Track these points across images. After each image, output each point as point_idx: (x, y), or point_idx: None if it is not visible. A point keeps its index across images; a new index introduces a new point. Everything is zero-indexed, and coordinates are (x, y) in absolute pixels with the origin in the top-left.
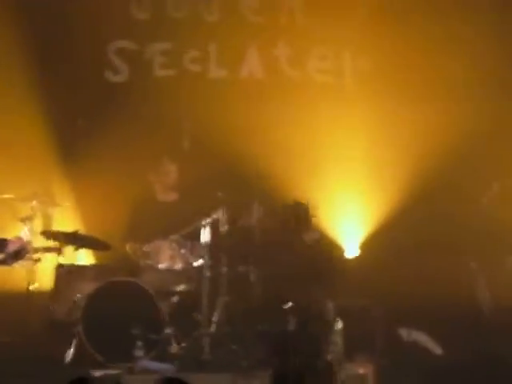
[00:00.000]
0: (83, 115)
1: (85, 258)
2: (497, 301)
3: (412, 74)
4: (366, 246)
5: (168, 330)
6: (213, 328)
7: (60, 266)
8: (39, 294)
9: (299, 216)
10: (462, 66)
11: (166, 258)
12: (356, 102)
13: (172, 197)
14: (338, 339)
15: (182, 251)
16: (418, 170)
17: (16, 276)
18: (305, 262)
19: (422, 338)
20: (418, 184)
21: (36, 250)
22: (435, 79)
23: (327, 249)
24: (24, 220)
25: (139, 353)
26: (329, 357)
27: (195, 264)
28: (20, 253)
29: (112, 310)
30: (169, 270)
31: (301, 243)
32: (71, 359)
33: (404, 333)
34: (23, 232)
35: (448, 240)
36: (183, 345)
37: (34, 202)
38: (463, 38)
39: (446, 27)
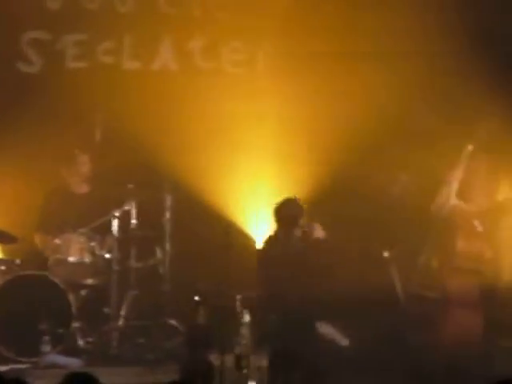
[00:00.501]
0: None
1: None
2: (409, 290)
3: (324, 66)
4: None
5: (76, 324)
6: (121, 322)
7: None
8: None
9: None
10: (370, 61)
11: (76, 251)
12: (268, 93)
13: (84, 189)
14: (245, 332)
15: (92, 244)
16: (328, 163)
17: None
18: (214, 254)
19: (330, 331)
20: (327, 176)
21: None
22: (346, 73)
23: (237, 240)
24: None
25: (46, 347)
26: (237, 350)
27: (105, 257)
28: None
29: (20, 304)
30: (78, 264)
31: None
32: None
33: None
34: None
35: (359, 232)
36: (91, 339)
37: None
38: (371, 29)
39: (355, 18)
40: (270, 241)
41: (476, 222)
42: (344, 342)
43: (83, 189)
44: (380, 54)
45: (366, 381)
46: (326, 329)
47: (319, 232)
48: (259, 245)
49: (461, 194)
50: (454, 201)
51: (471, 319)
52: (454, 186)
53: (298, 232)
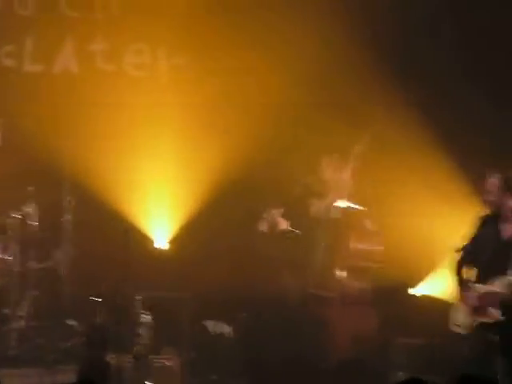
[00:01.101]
0: None
1: None
2: (305, 290)
3: (223, 68)
4: (177, 239)
5: None
6: (20, 323)
7: None
8: None
9: None
10: (266, 62)
11: None
12: (169, 95)
13: None
14: (145, 332)
15: None
16: (227, 164)
17: None
18: (114, 255)
19: (226, 330)
20: (224, 179)
21: None
22: (245, 73)
23: (136, 240)
24: None
25: None
26: (135, 349)
27: (5, 259)
28: None
29: None
30: None
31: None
32: None
33: (209, 325)
34: None
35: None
36: None
37: None
38: (275, 29)
39: (253, 22)
40: None
41: (367, 222)
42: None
43: None
44: (273, 57)
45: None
46: (224, 328)
47: None
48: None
49: (350, 196)
50: (343, 203)
51: (366, 316)
52: (343, 187)
53: None
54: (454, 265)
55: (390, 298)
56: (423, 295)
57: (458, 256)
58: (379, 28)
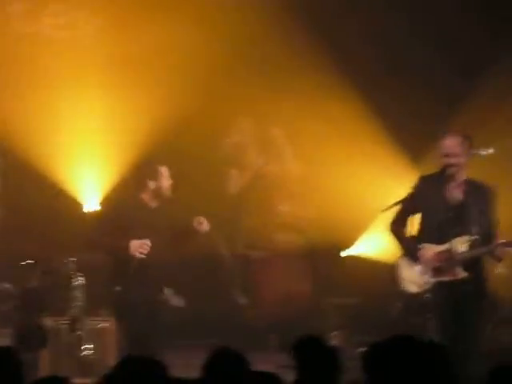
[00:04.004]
0: None
1: None
2: (234, 251)
3: (142, 27)
4: (107, 201)
5: None
6: None
7: None
8: None
9: None
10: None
11: None
12: (90, 56)
13: None
14: (78, 294)
15: None
16: (159, 127)
17: None
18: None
19: (165, 292)
20: (156, 142)
21: None
22: (164, 30)
23: (67, 204)
24: None
25: None
26: (71, 312)
27: None
28: None
29: None
30: None
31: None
32: None
33: None
34: None
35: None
36: None
37: None
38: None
39: None
40: None
41: (292, 186)
42: (180, 303)
43: None
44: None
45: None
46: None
47: None
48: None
49: (275, 161)
50: (271, 167)
51: (299, 274)
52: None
53: None
54: (389, 222)
55: (322, 259)
56: (354, 255)
57: (394, 213)
58: None
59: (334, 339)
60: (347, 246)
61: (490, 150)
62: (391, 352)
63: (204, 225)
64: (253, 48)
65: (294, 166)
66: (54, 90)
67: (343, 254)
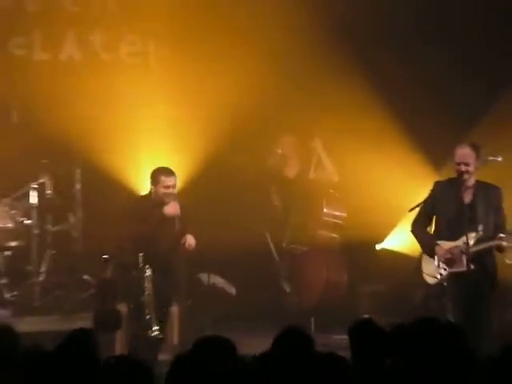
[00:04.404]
0: None
1: None
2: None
3: (207, 55)
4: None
5: (2, 281)
6: (41, 277)
7: None
8: None
9: None
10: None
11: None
12: (159, 82)
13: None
14: (147, 284)
15: (13, 212)
16: (213, 134)
17: None
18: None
19: (219, 281)
20: (212, 147)
21: None
22: (228, 55)
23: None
24: None
25: None
26: (141, 299)
27: (25, 223)
28: None
29: None
30: (1, 229)
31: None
32: None
33: (204, 277)
34: None
35: (239, 197)
36: (16, 293)
37: None
38: (245, 32)
39: (231, 21)
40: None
41: (332, 191)
42: (232, 290)
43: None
44: (251, 57)
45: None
46: (216, 279)
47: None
48: None
49: (317, 169)
50: (312, 175)
51: (336, 265)
52: (313, 164)
53: None
54: (412, 223)
55: (357, 252)
56: (385, 249)
57: (416, 215)
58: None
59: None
60: (378, 242)
61: (499, 158)
62: (415, 331)
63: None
64: (298, 70)
65: (333, 174)
66: (128, 108)
67: (378, 247)
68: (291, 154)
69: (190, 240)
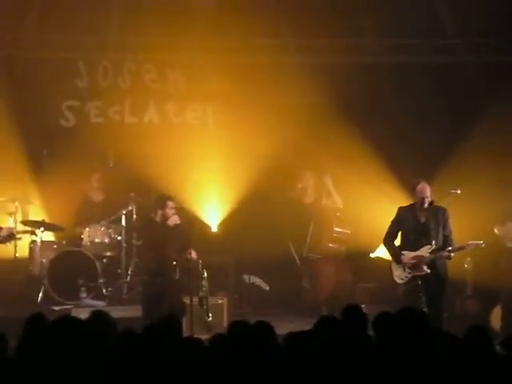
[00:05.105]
0: (47, 146)
1: (48, 236)
2: (301, 255)
3: (249, 118)
4: (223, 223)
5: (101, 280)
6: (128, 278)
7: (33, 242)
8: (21, 260)
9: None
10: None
11: (99, 235)
12: (216, 138)
13: (101, 197)
14: (204, 283)
15: (109, 231)
16: (253, 176)
17: (7, 249)
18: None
19: (257, 280)
20: (256, 187)
21: (18, 233)
22: (265, 119)
23: (196, 226)
24: (11, 214)
25: (83, 294)
26: (200, 294)
27: (117, 239)
28: (11, 235)
29: (66, 268)
30: (101, 243)
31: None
32: (41, 299)
33: (246, 277)
34: (11, 222)
35: (271, 219)
36: (110, 289)
37: (16, 203)
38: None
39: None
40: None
41: (338, 213)
42: (266, 287)
43: (100, 197)
44: (282, 123)
45: (278, 310)
46: (255, 279)
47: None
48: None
49: (327, 198)
50: (324, 202)
51: (342, 270)
52: (324, 194)
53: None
54: (384, 238)
55: (357, 259)
56: (376, 256)
57: (386, 232)
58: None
59: (364, 310)
60: (371, 251)
61: (458, 191)
62: (398, 317)
63: (194, 256)
64: (316, 129)
65: (339, 202)
66: (191, 160)
67: (372, 255)
68: (309, 186)
69: (193, 254)
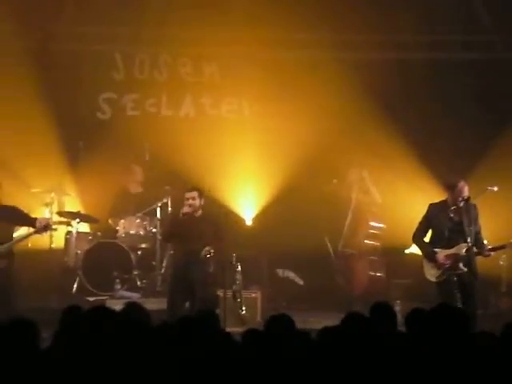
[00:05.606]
0: (83, 138)
1: (84, 227)
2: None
3: (285, 111)
4: (257, 217)
5: (135, 272)
6: (163, 270)
7: (69, 233)
8: (57, 251)
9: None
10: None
11: (134, 227)
12: (251, 131)
13: (139, 189)
14: (238, 276)
15: (144, 223)
16: (289, 169)
17: (43, 240)
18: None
19: (291, 275)
20: (292, 181)
21: (54, 223)
22: (300, 114)
23: (231, 219)
24: (47, 205)
25: (118, 286)
26: (234, 287)
27: (152, 231)
28: (46, 226)
29: (101, 259)
30: (136, 235)
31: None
32: (75, 290)
33: (280, 271)
34: (47, 212)
35: (307, 213)
36: (145, 281)
37: (53, 194)
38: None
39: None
40: None
41: (374, 208)
42: (300, 282)
43: (138, 189)
44: (318, 116)
45: (311, 305)
46: (289, 273)
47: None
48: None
49: (363, 193)
50: (360, 196)
51: (377, 265)
52: (357, 188)
53: None
54: (413, 235)
55: (391, 255)
56: (412, 253)
57: (415, 229)
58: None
59: (397, 306)
60: (406, 247)
61: (495, 188)
62: (434, 314)
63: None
64: (351, 124)
65: (377, 197)
66: (226, 152)
67: (406, 251)
68: (352, 182)
69: (210, 249)
